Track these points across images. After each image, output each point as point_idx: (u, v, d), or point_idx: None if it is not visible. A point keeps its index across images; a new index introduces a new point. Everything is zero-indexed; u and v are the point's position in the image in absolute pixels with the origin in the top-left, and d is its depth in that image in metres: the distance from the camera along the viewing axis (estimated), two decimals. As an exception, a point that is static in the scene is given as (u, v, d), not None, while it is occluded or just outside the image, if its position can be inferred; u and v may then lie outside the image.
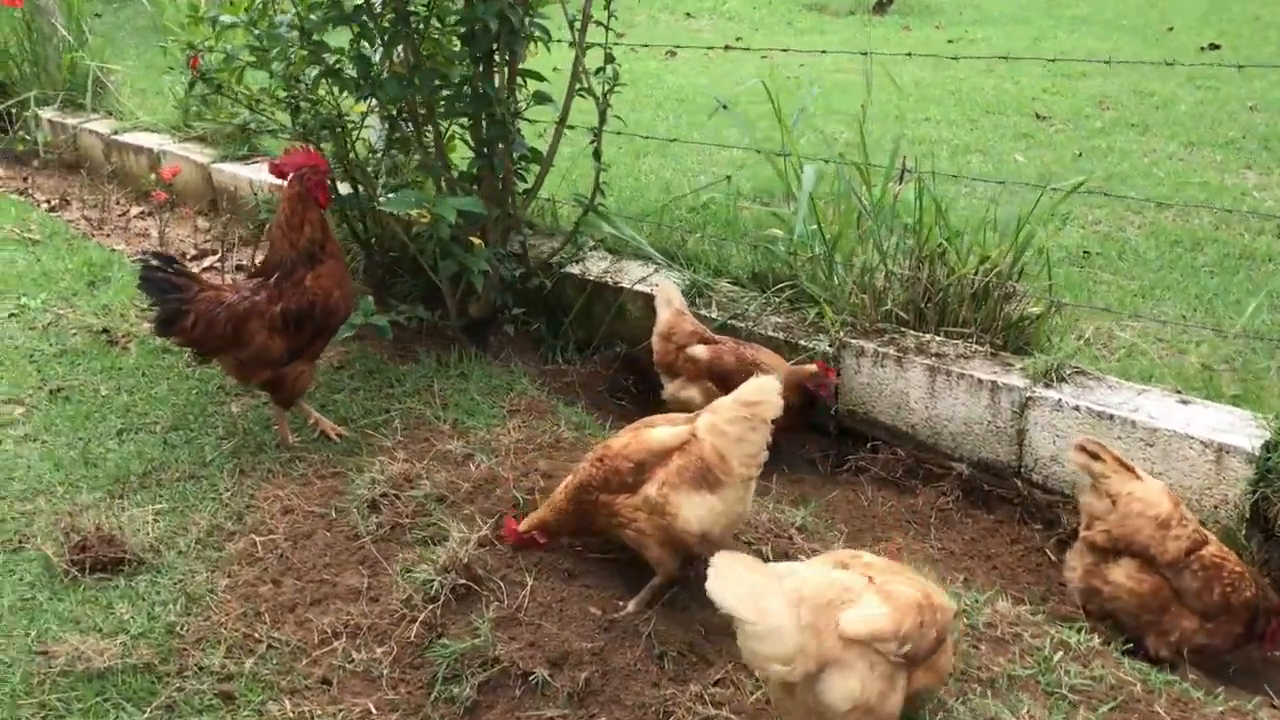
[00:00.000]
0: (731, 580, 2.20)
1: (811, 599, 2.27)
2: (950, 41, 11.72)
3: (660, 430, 2.98)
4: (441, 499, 3.51)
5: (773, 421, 2.85)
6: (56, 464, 3.97)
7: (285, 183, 4.00)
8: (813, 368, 4.01)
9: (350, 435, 4.05)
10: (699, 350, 4.15)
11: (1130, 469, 3.08)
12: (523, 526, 3.19)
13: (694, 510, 2.87)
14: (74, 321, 5.21)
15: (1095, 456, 3.09)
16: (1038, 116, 8.49)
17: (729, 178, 5.67)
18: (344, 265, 4.06)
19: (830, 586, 2.33)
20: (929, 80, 9.83)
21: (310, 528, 3.51)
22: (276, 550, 3.41)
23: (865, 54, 4.58)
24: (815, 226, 4.40)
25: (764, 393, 2.80)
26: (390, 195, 4.90)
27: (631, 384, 4.76)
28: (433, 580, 3.04)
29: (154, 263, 3.84)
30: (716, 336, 4.23)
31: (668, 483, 2.90)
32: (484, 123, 4.47)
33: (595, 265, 4.96)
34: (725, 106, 4.05)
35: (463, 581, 3.04)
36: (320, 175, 3.93)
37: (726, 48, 8.97)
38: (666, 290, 4.29)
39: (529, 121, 4.66)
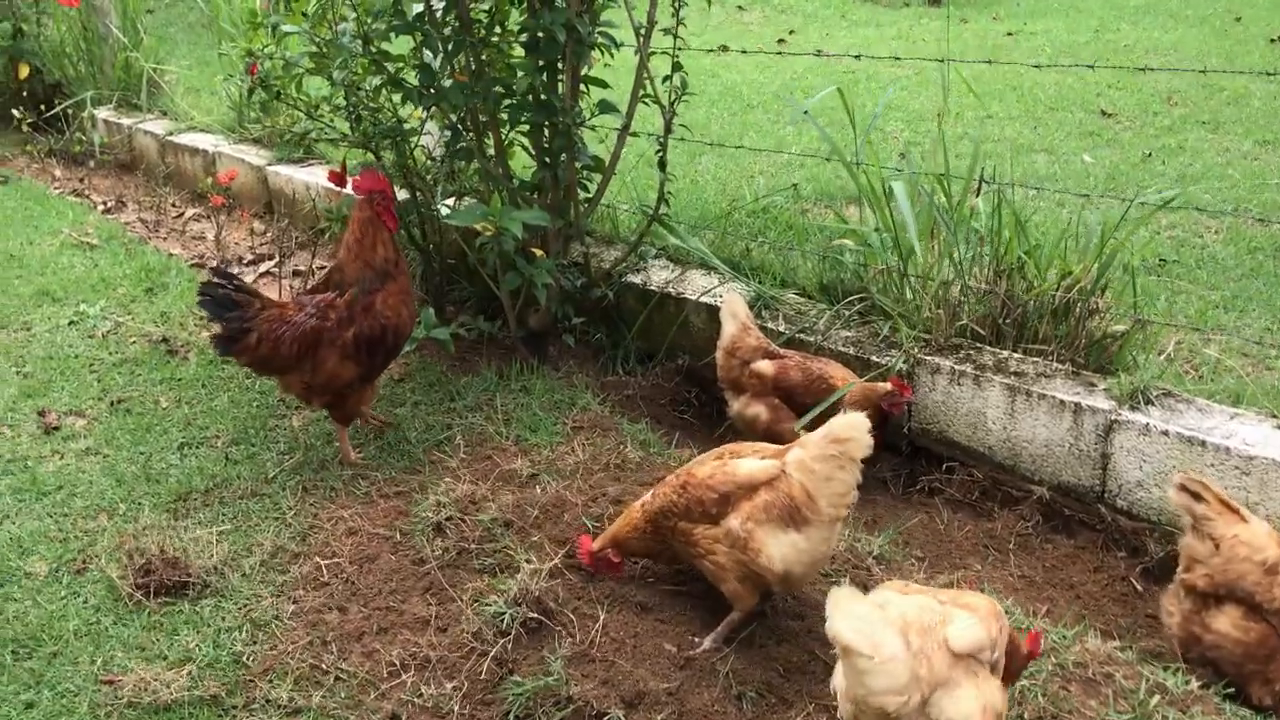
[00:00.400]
0: (849, 615, 2.20)
1: (915, 624, 2.29)
2: (1009, 34, 11.46)
3: (748, 463, 2.89)
4: (508, 524, 3.43)
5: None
6: (119, 480, 3.94)
7: (346, 191, 3.95)
8: (887, 385, 3.89)
9: (364, 462, 4.01)
10: (764, 365, 4.05)
11: (1235, 510, 2.93)
12: (596, 545, 3.12)
13: (778, 548, 2.79)
14: (133, 330, 5.19)
15: (1197, 497, 2.94)
16: (1103, 113, 8.26)
17: (795, 185, 5.54)
18: (409, 281, 4.01)
19: (926, 609, 2.35)
20: (988, 75, 9.61)
21: (375, 550, 3.45)
22: (342, 574, 3.35)
23: (942, 61, 4.42)
24: (889, 236, 4.27)
25: (855, 430, 2.69)
26: (453, 207, 4.86)
27: (694, 397, 4.67)
28: (503, 613, 2.97)
29: (214, 279, 3.81)
30: (783, 351, 4.12)
31: (753, 518, 2.82)
32: (547, 132, 4.38)
33: (657, 275, 4.87)
34: (806, 113, 3.92)
35: (534, 615, 2.96)
36: (388, 201, 3.88)
37: (780, 41, 8.81)
38: (732, 304, 4.19)
39: (590, 129, 4.56)
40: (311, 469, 3.96)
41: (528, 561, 3.15)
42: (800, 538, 2.77)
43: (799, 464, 2.78)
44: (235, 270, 6.13)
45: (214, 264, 6.19)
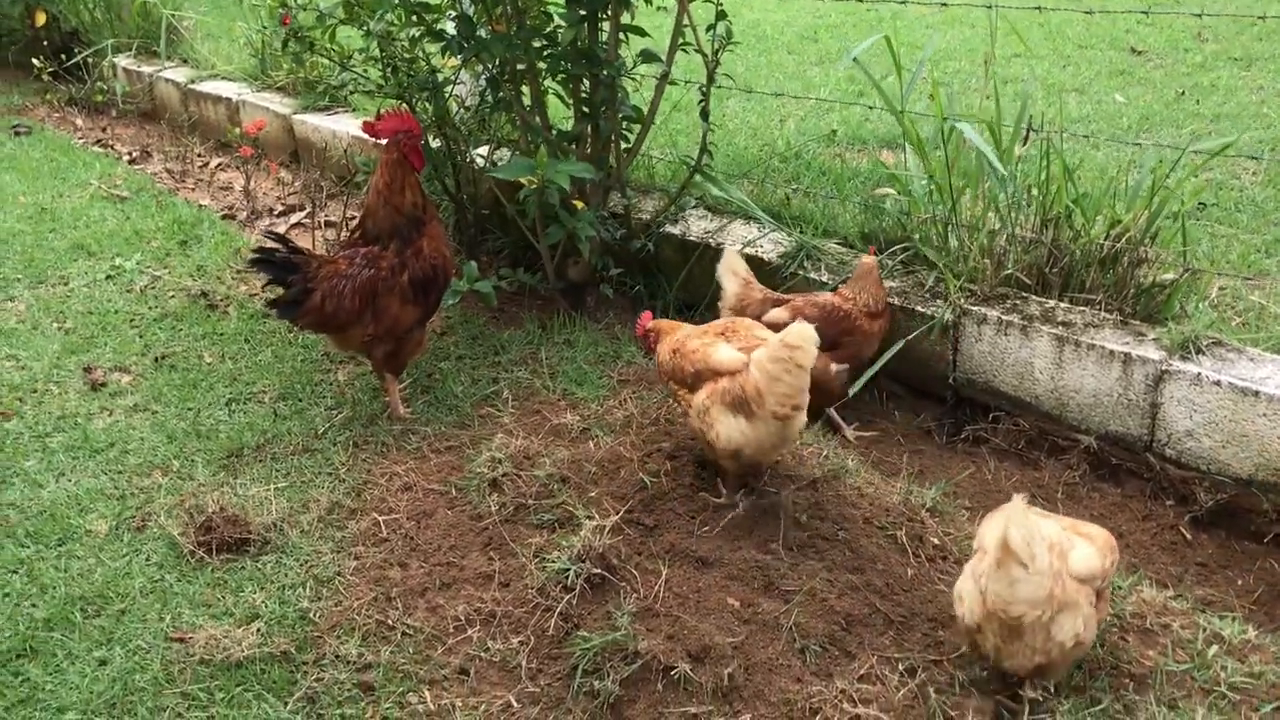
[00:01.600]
0: (1020, 524, 2.39)
1: (1055, 546, 2.50)
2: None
3: (723, 351, 3.20)
4: (564, 480, 3.45)
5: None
6: (169, 436, 3.97)
7: (379, 142, 3.93)
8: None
9: (413, 417, 4.02)
10: (779, 314, 3.98)
11: None
12: (650, 324, 3.61)
13: (726, 429, 3.14)
14: (170, 284, 5.19)
15: None
16: (1133, 51, 8.13)
17: (834, 132, 5.49)
18: (443, 226, 4.01)
19: (1060, 534, 2.56)
20: (1013, 14, 9.44)
21: (431, 506, 3.48)
22: (400, 530, 3.38)
23: (990, 6, 4.34)
24: (933, 183, 4.23)
25: (803, 339, 2.95)
26: (487, 157, 4.82)
27: (734, 347, 4.66)
28: (567, 569, 2.99)
29: (268, 242, 3.81)
30: (786, 295, 4.08)
31: (712, 398, 3.18)
32: (587, 83, 4.33)
33: (697, 225, 4.84)
34: (855, 59, 3.86)
35: (597, 571, 2.99)
36: (415, 139, 3.86)
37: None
38: (730, 261, 4.12)
39: (630, 78, 4.50)
40: (361, 424, 3.98)
41: (589, 518, 3.16)
42: (747, 426, 3.11)
43: (757, 363, 3.07)
44: (266, 222, 6.12)
45: (244, 214, 6.18)
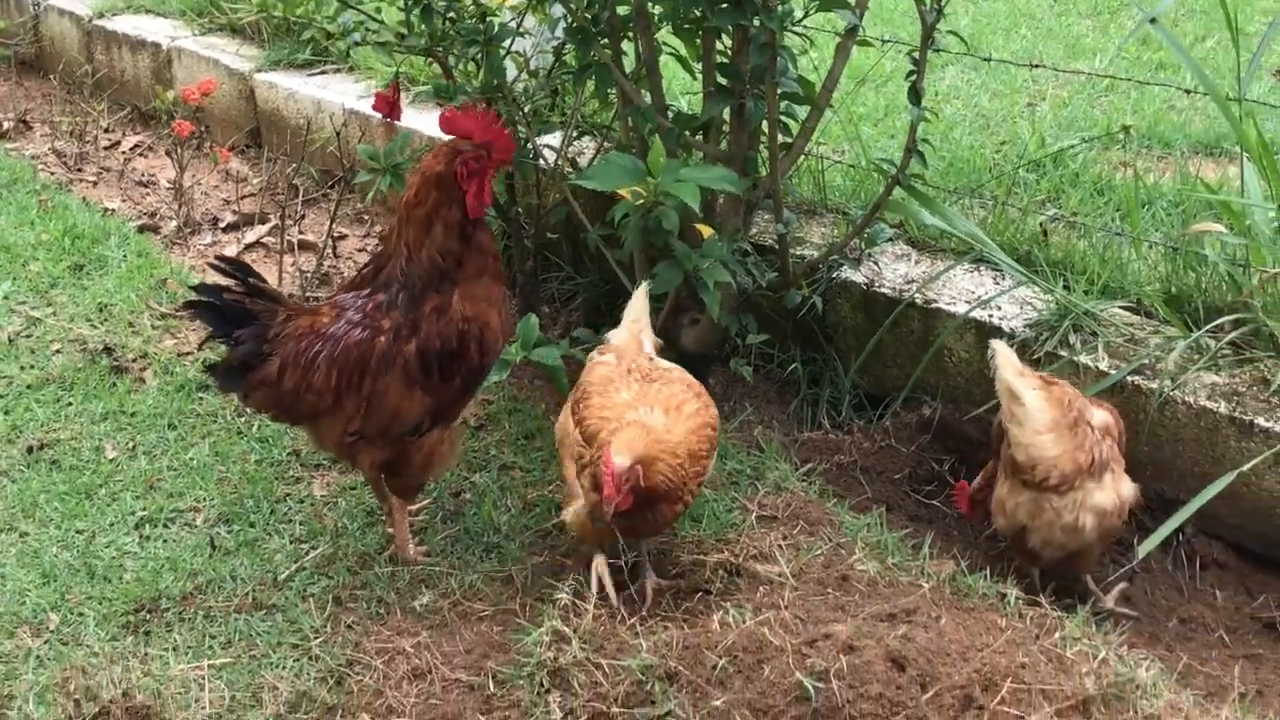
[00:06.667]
0: None
1: None
2: None
3: None
4: (672, 677, 3.40)
5: None
6: (46, 574, 4.03)
7: (402, 126, 4.00)
8: None
9: (429, 560, 4.04)
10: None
11: None
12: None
13: None
14: (56, 331, 5.32)
15: None
16: None
17: (1126, 129, 5.47)
18: (502, 279, 4.01)
19: None
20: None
21: (456, 707, 3.45)
22: (405, 745, 3.37)
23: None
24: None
25: None
26: (560, 150, 4.87)
27: (949, 469, 4.64)
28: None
29: (221, 269, 3.89)
30: None
31: None
32: (731, 40, 4.37)
33: (894, 270, 4.84)
34: (1154, 21, 3.86)
35: (724, 835, 2.94)
36: (485, 163, 3.84)
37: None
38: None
39: (794, 33, 4.53)
40: (346, 568, 4.00)
41: (713, 746, 3.12)
42: None
43: None
44: (208, 239, 6.25)
45: (173, 226, 6.32)
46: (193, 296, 3.84)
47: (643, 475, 3.48)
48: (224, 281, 3.86)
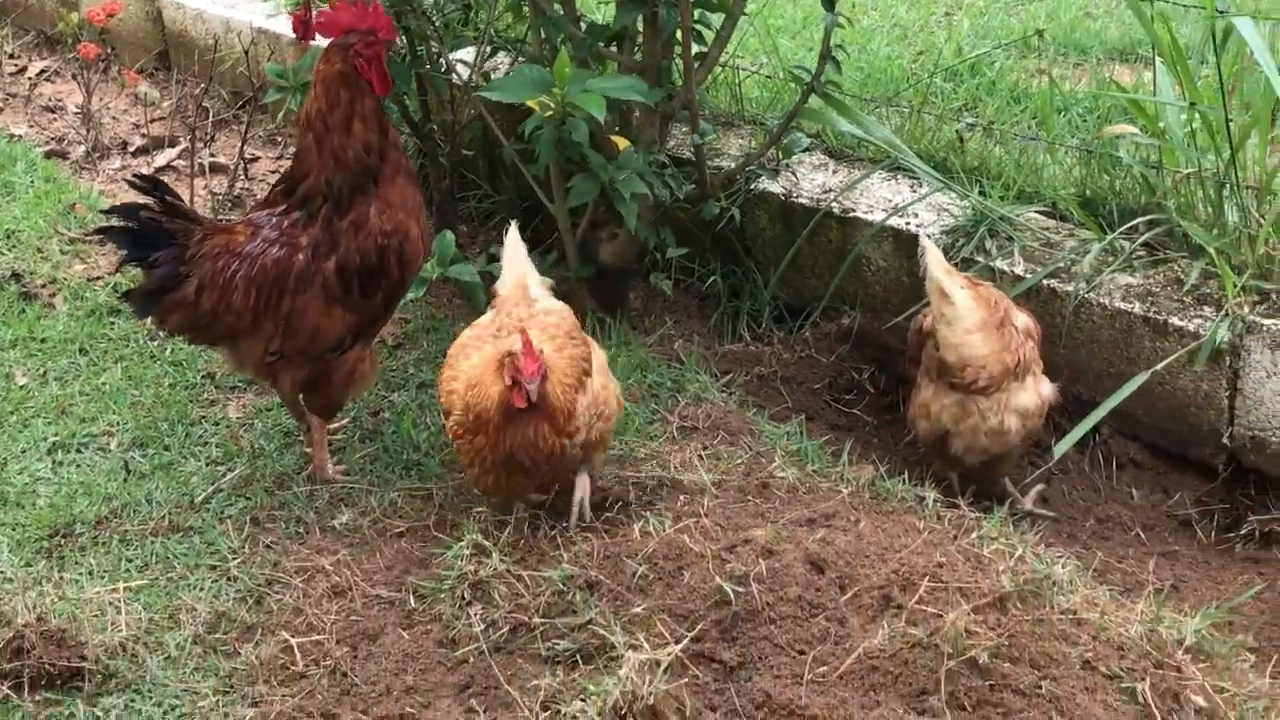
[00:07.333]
0: None
1: None
2: None
3: None
4: (593, 585, 3.42)
5: None
6: (-44, 502, 4.00)
7: (315, 44, 3.96)
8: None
9: (348, 479, 4.05)
10: None
11: None
12: None
13: None
14: (-41, 260, 5.26)
15: None
16: None
17: (1040, 33, 5.49)
18: (415, 181, 4.02)
19: None
20: None
21: (376, 623, 3.48)
22: (326, 660, 3.38)
23: None
24: (1197, 121, 4.20)
25: None
26: (474, 65, 4.83)
27: (869, 378, 4.67)
28: (598, 732, 2.97)
29: (138, 187, 3.87)
30: None
31: None
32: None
33: (812, 180, 4.86)
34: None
35: (647, 734, 2.96)
36: (378, 45, 3.84)
37: None
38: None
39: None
40: (264, 489, 4.01)
41: (632, 647, 3.14)
42: None
43: None
44: (117, 164, 6.19)
45: (81, 151, 6.25)
46: (103, 222, 3.84)
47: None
48: (141, 200, 3.84)
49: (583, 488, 3.76)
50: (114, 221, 3.84)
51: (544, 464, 3.54)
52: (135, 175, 3.99)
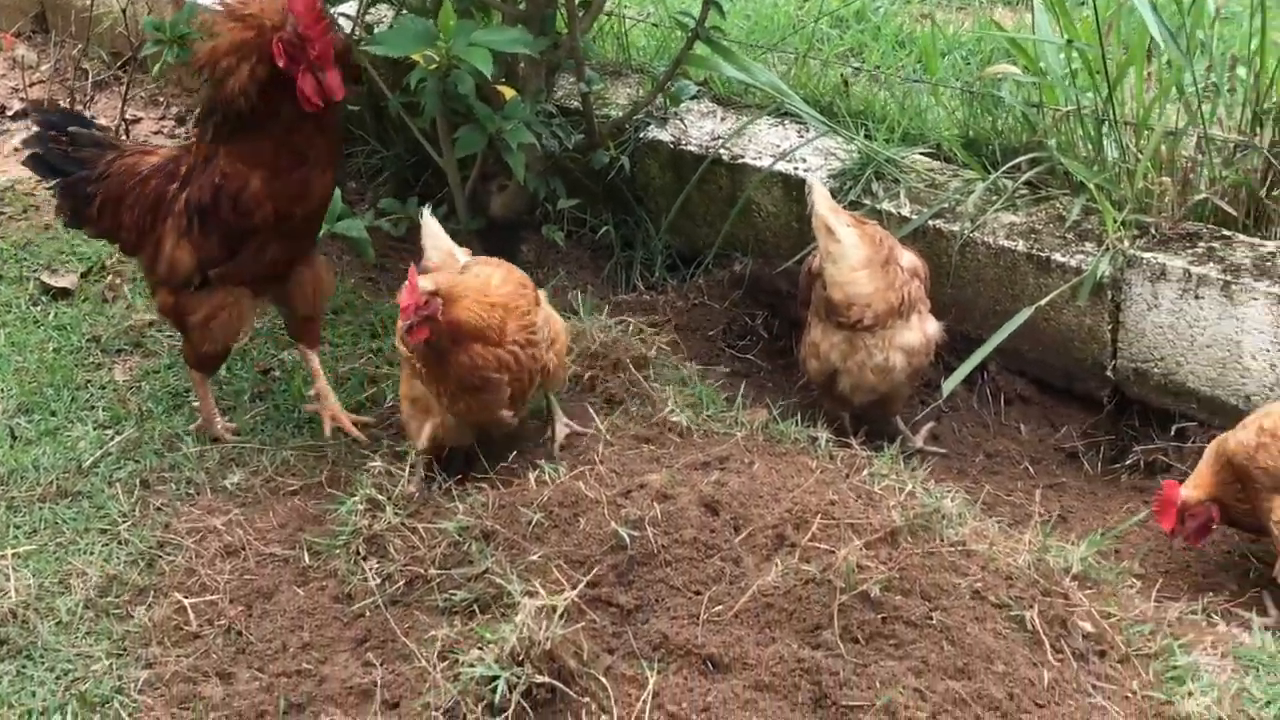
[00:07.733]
0: None
1: None
2: None
3: None
4: (488, 535, 3.44)
5: None
6: None
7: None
8: None
9: (238, 438, 4.10)
10: None
11: None
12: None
13: None
14: None
15: None
16: None
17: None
18: (299, 150, 3.90)
19: None
20: None
21: (271, 581, 3.49)
22: (220, 620, 3.39)
23: None
24: (1076, 60, 4.25)
25: None
26: (357, 19, 4.80)
27: (762, 323, 4.70)
28: (495, 678, 2.97)
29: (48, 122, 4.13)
30: None
31: None
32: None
33: (700, 127, 4.88)
34: None
35: (543, 681, 2.97)
36: (301, 58, 3.65)
37: None
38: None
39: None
40: (153, 451, 4.01)
41: (529, 595, 3.15)
42: None
43: None
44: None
45: None
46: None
47: (445, 309, 3.45)
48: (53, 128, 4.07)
49: (559, 417, 3.92)
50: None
51: (499, 374, 3.60)
52: (53, 110, 4.36)
